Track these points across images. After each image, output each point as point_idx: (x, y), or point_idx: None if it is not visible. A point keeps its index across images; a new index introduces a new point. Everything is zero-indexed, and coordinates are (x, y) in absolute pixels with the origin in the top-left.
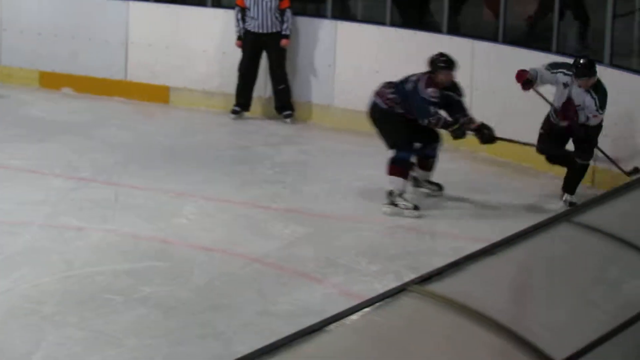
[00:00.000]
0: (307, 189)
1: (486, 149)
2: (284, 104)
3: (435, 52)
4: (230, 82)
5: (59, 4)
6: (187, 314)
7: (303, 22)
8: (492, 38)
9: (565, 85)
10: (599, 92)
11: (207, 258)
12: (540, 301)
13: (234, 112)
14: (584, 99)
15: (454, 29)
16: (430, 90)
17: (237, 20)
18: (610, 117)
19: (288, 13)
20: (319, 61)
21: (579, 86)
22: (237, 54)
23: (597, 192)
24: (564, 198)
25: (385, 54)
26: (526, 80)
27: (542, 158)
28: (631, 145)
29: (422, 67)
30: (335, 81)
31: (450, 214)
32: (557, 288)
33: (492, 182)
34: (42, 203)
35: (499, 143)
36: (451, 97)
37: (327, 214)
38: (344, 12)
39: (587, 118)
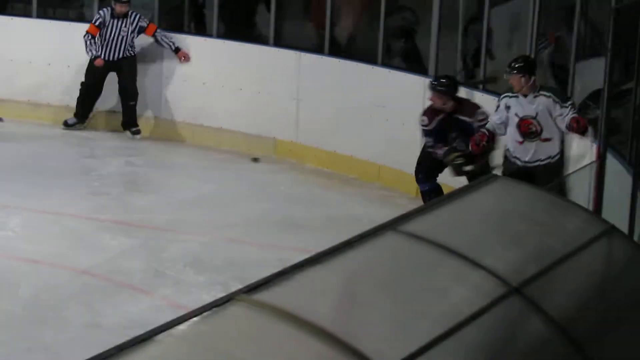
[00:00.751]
0: (133, 200)
1: (312, 161)
2: (131, 120)
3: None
4: (55, 93)
5: None
6: (13, 328)
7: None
8: (318, 50)
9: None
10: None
11: (34, 271)
12: (368, 309)
13: (66, 123)
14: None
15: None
16: (421, 117)
17: (87, 44)
18: None
19: (161, 35)
20: (150, 72)
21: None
22: (63, 66)
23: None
24: None
25: (214, 65)
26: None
27: (368, 169)
28: None
29: (251, 77)
30: (164, 92)
31: (272, 225)
32: (384, 296)
33: (318, 193)
34: None
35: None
36: (463, 122)
37: (154, 226)
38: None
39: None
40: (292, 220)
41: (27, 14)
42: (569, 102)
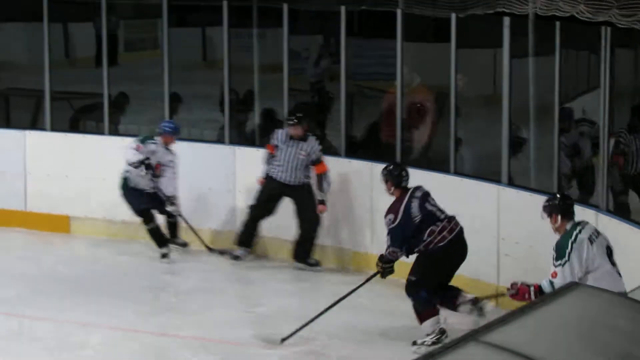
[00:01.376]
0: (213, 315)
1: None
2: (306, 252)
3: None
4: (129, 210)
5: None
6: None
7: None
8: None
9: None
10: None
11: None
12: None
13: (235, 257)
14: None
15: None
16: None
17: (265, 162)
18: None
19: (326, 178)
20: (216, 184)
21: None
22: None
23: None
24: None
25: None
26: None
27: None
28: None
29: None
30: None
31: (352, 337)
32: None
33: (397, 304)
34: None
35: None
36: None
37: (235, 341)
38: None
39: None
40: (373, 332)
41: (100, 132)
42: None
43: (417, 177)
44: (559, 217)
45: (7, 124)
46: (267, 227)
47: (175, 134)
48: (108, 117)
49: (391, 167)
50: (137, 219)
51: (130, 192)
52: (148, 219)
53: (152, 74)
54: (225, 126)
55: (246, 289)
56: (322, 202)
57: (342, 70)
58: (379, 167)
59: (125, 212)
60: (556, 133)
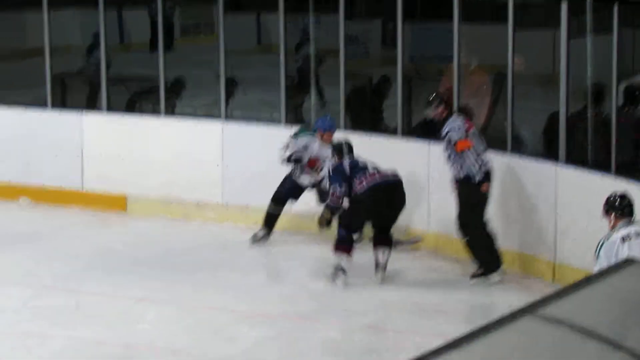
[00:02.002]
0: (268, 290)
1: (445, 249)
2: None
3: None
4: (186, 190)
5: (13, 116)
6: None
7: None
8: None
9: None
10: None
11: None
12: None
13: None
14: None
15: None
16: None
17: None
18: None
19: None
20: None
21: None
22: (188, 162)
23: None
24: None
25: None
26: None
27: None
28: None
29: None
30: None
31: (409, 311)
32: None
33: (453, 279)
34: (4, 312)
35: None
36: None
37: (292, 315)
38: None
39: None
40: (429, 307)
41: (156, 112)
42: None
43: None
44: (613, 216)
45: (64, 105)
46: None
47: (329, 129)
48: (164, 100)
49: None
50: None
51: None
52: (277, 204)
53: (208, 58)
54: (281, 108)
55: (303, 265)
56: None
57: (399, 53)
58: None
59: (180, 192)
60: (614, 111)
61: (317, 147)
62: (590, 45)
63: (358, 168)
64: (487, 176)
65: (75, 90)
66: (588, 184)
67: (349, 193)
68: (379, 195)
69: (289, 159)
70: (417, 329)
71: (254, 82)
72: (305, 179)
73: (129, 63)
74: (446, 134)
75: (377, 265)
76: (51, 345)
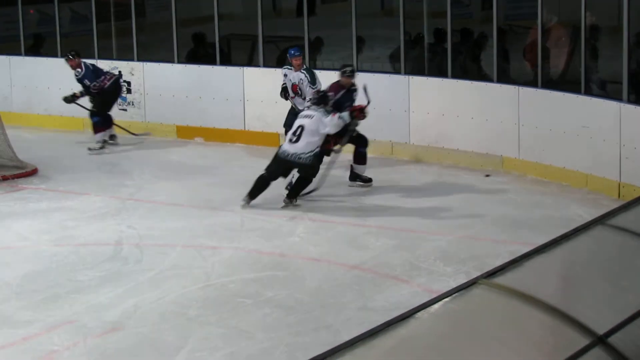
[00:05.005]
0: (391, 209)
1: (532, 173)
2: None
3: (487, 98)
4: None
5: (187, 71)
6: (303, 312)
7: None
8: (533, 84)
9: None
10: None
11: (316, 267)
12: (584, 288)
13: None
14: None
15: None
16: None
17: None
18: None
19: None
20: (395, 106)
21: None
22: None
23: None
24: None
25: (450, 99)
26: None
27: (578, 178)
28: None
29: (480, 108)
30: (411, 122)
31: (502, 225)
32: (596, 278)
33: (539, 198)
34: (183, 229)
35: None
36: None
37: (410, 229)
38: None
39: None
40: (519, 221)
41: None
42: None
43: (554, 98)
44: None
45: (229, 62)
46: None
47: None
48: (308, 55)
49: None
50: None
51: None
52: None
53: (344, 20)
54: (401, 60)
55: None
56: None
57: (495, 13)
58: (525, 89)
59: None
60: None
61: (291, 73)
62: None
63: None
64: None
65: (237, 50)
66: None
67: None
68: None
69: (281, 92)
70: (510, 239)
71: (380, 39)
72: (298, 103)
73: (280, 26)
74: None
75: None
76: (221, 255)
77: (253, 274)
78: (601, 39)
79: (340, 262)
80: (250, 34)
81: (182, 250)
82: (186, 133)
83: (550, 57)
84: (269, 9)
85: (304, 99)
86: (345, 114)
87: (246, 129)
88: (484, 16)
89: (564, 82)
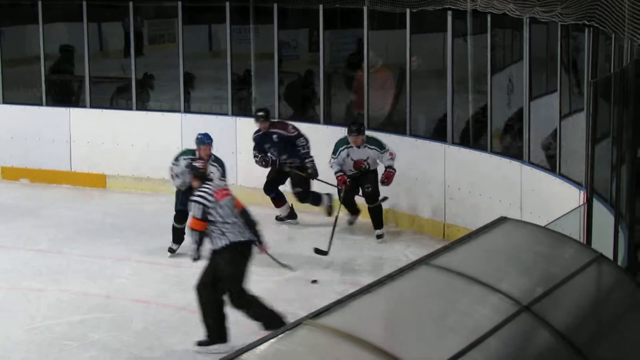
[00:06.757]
0: None
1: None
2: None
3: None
4: (156, 168)
5: (14, 112)
6: (129, 354)
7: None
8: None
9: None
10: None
11: (144, 309)
12: (408, 327)
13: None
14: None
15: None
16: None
17: None
18: None
19: None
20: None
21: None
22: (158, 147)
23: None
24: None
25: None
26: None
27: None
28: None
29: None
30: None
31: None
32: (421, 317)
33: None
34: (8, 271)
35: None
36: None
37: None
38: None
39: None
40: (347, 262)
41: (129, 108)
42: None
43: (382, 138)
44: None
45: (56, 103)
46: None
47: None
48: (135, 96)
49: None
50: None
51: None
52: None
53: (171, 62)
54: (228, 101)
55: None
56: None
57: (321, 57)
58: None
59: (150, 171)
60: (489, 97)
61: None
62: (470, 44)
63: None
64: None
65: (59, 90)
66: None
67: None
68: None
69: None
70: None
71: (207, 80)
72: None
73: (107, 67)
74: None
75: None
76: (47, 297)
77: (79, 316)
78: (426, 82)
79: (168, 304)
80: (78, 74)
81: (6, 293)
82: (10, 174)
83: (375, 99)
84: (96, 49)
85: None
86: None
87: (72, 170)
88: (311, 58)
89: (391, 124)
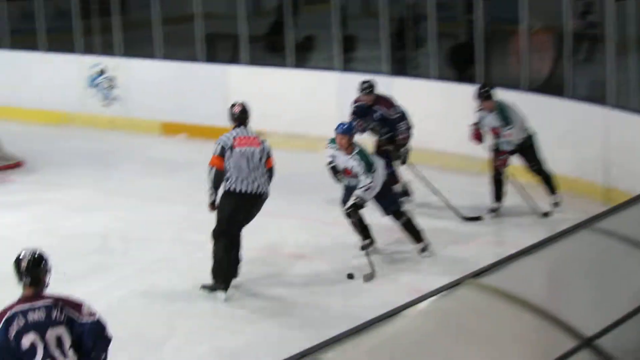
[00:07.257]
0: None
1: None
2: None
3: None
4: (312, 126)
5: (175, 69)
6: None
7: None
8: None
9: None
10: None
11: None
12: (569, 290)
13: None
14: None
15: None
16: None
17: None
18: None
19: None
20: None
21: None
22: (314, 105)
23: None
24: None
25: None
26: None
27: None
28: None
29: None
30: None
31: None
32: (583, 280)
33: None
34: (169, 222)
35: None
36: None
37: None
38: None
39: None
40: (506, 222)
41: (282, 65)
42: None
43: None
44: None
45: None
46: None
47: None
48: (294, 55)
49: None
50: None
51: None
52: None
53: (326, 22)
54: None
55: None
56: None
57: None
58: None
59: (305, 129)
60: None
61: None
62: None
63: None
64: None
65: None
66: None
67: None
68: None
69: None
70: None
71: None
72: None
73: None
74: None
75: None
76: (206, 251)
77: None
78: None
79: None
80: (231, 33)
81: (168, 244)
82: (171, 129)
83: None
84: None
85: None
86: None
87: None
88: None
89: (549, 86)
